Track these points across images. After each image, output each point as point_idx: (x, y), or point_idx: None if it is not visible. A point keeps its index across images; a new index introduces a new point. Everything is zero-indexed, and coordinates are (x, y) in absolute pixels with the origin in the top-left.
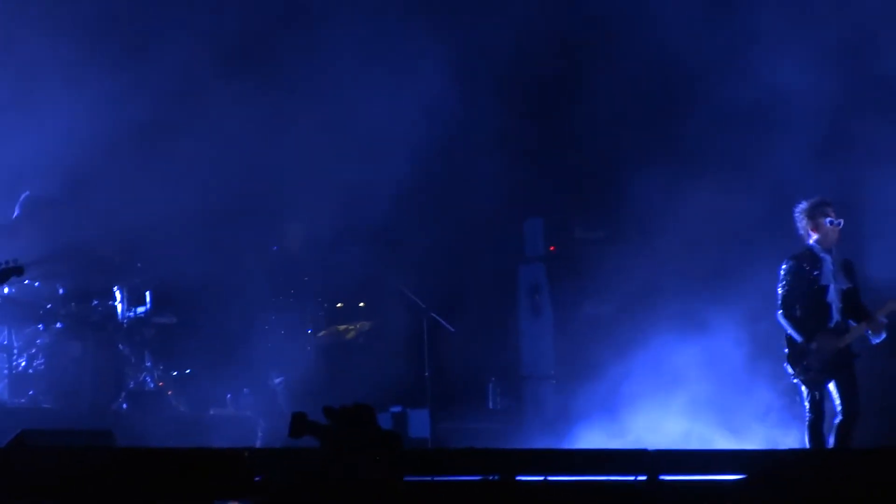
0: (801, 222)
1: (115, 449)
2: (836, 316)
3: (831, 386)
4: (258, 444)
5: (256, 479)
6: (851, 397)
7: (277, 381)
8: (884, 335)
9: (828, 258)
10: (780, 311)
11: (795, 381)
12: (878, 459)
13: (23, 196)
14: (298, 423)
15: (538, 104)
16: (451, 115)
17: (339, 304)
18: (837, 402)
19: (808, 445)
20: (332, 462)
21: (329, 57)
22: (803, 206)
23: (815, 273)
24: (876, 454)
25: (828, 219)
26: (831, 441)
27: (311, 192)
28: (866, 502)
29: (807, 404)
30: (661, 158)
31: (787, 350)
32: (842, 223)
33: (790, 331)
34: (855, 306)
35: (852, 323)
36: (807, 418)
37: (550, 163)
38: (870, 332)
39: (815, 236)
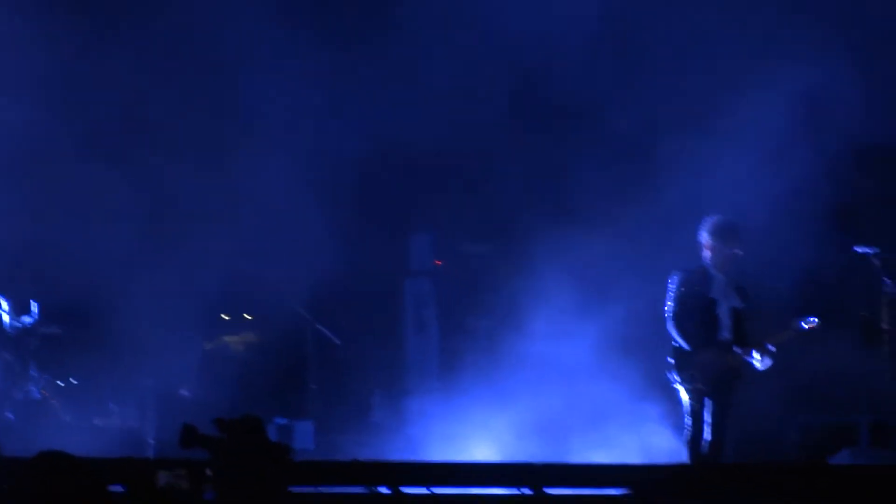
0: (705, 237)
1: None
2: (725, 333)
3: (707, 401)
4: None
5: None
6: (720, 420)
7: (156, 384)
8: (769, 363)
9: (720, 276)
10: (671, 321)
11: (678, 390)
12: (760, 473)
13: None
14: (188, 435)
15: (425, 118)
16: (341, 128)
17: (224, 316)
18: (708, 420)
19: (689, 459)
20: (221, 473)
21: (220, 68)
22: (714, 222)
23: (705, 288)
24: (758, 468)
25: (728, 250)
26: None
27: (201, 205)
28: None
29: (688, 418)
30: (548, 174)
31: (673, 360)
32: (741, 254)
33: (679, 341)
34: (744, 327)
35: (738, 345)
36: (687, 431)
37: (437, 178)
38: (755, 355)
39: (711, 256)
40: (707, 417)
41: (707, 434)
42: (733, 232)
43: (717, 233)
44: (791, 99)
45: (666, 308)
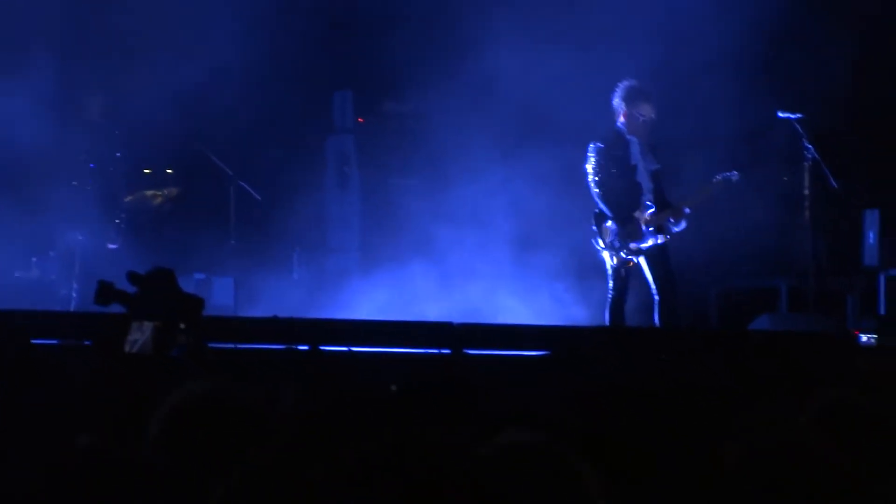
0: (616, 101)
1: None
2: (647, 196)
3: (644, 265)
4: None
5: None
6: (665, 275)
7: (80, 238)
8: (684, 225)
9: (634, 139)
10: (594, 189)
11: (604, 256)
12: (676, 337)
13: None
14: (104, 291)
15: None
16: None
17: (146, 170)
18: (651, 282)
19: (608, 322)
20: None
21: None
22: (625, 87)
23: (623, 154)
24: (679, 333)
25: (640, 114)
26: (657, 321)
27: (118, 57)
28: (665, 379)
29: (611, 282)
30: (474, 31)
31: (595, 227)
32: (654, 118)
33: (603, 207)
34: (662, 189)
35: (659, 207)
36: (610, 295)
37: (361, 34)
38: (672, 220)
39: (624, 121)
40: (650, 281)
41: (655, 294)
42: (645, 95)
43: (629, 97)
44: None
45: (587, 177)
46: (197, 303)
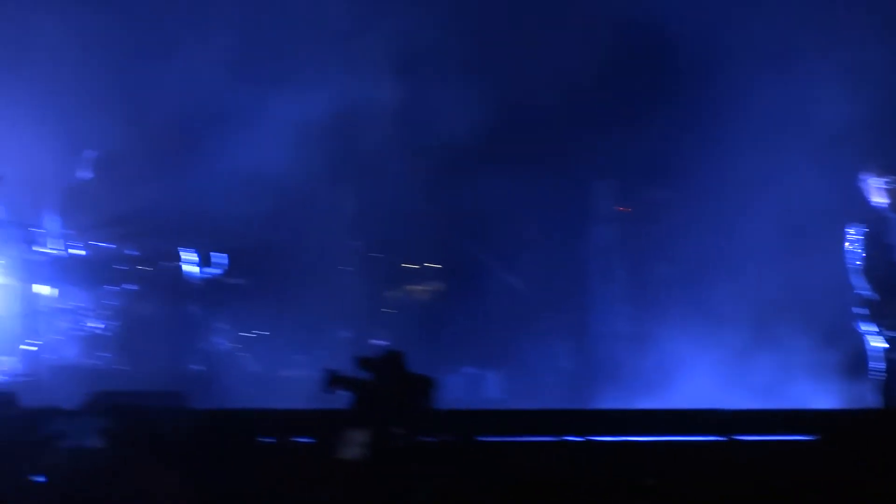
0: (867, 180)
1: (187, 410)
2: None
3: None
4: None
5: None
6: None
7: (347, 335)
8: None
9: (894, 217)
10: (861, 272)
11: (874, 337)
12: None
13: (89, 155)
14: (331, 378)
15: (603, 61)
16: (520, 72)
17: (408, 265)
18: None
19: (882, 404)
20: (368, 411)
21: None
22: (881, 162)
23: (884, 233)
24: None
25: (892, 186)
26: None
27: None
28: None
29: (881, 363)
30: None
31: (867, 309)
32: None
33: (867, 291)
34: None
35: None
36: (881, 377)
37: (617, 121)
38: None
39: (879, 198)
40: None
41: None
42: (893, 167)
43: (889, 171)
44: None
45: (848, 259)
46: (427, 383)
